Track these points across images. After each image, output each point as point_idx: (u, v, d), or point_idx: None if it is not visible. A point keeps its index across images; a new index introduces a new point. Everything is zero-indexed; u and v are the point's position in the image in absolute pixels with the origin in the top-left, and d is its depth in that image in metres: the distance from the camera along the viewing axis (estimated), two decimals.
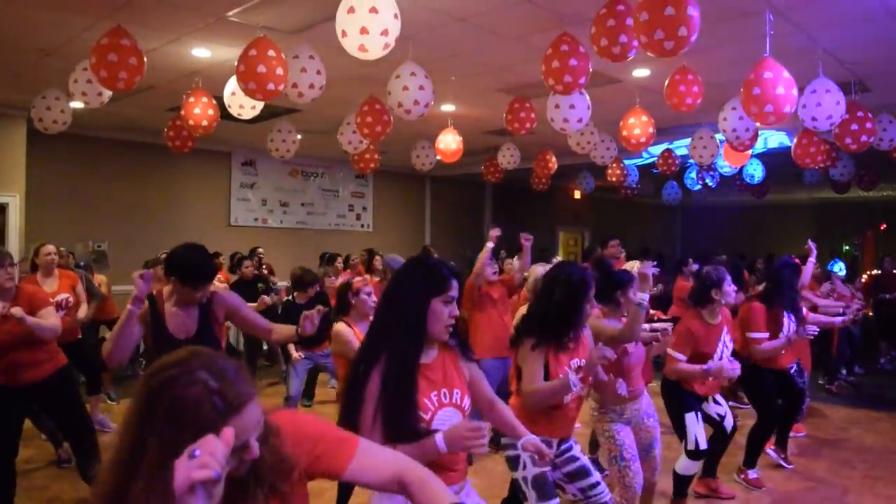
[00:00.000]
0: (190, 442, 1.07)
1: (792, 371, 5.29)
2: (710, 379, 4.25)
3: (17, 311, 3.83)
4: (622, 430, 3.68)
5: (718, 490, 4.77)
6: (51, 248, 5.56)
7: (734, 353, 5.14)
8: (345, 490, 4.00)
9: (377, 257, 9.01)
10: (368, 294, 4.15)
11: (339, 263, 8.89)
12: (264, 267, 9.28)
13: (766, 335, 4.80)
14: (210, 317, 3.36)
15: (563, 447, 3.15)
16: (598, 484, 3.14)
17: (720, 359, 4.21)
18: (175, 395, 1.21)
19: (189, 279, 3.20)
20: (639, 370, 3.91)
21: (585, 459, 3.20)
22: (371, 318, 4.17)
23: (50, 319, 4.07)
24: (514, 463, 3.07)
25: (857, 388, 8.38)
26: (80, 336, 5.98)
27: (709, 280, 4.31)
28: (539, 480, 2.99)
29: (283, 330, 3.53)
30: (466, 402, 2.24)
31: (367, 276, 7.51)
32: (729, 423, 4.53)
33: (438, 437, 2.02)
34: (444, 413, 2.16)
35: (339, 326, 4.01)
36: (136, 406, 1.25)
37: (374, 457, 1.58)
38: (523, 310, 4.31)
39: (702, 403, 4.42)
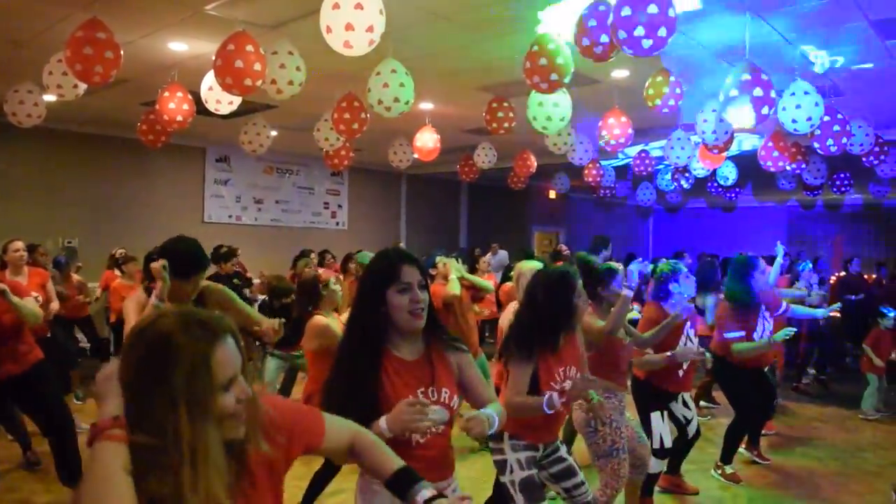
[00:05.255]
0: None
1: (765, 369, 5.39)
2: (681, 374, 4.35)
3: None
4: (623, 425, 3.72)
5: (682, 486, 4.85)
6: (19, 244, 5.37)
7: (713, 354, 5.21)
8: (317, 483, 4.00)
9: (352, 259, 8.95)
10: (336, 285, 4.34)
11: (315, 257, 8.94)
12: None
13: (742, 334, 4.84)
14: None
15: (549, 449, 3.11)
16: (582, 483, 3.14)
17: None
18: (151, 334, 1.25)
19: (179, 269, 3.15)
20: (626, 366, 4.03)
21: (571, 460, 3.19)
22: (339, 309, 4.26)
23: (31, 303, 4.04)
24: (502, 466, 3.04)
25: (826, 387, 8.52)
26: (48, 334, 5.83)
27: (664, 276, 4.48)
28: (527, 484, 2.96)
29: (265, 322, 3.71)
30: (455, 401, 2.19)
31: (340, 276, 7.57)
32: (693, 428, 4.62)
33: (381, 420, 1.98)
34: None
35: (324, 320, 3.98)
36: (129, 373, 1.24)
37: (337, 426, 1.67)
38: (512, 306, 4.26)
39: (669, 402, 4.48)
